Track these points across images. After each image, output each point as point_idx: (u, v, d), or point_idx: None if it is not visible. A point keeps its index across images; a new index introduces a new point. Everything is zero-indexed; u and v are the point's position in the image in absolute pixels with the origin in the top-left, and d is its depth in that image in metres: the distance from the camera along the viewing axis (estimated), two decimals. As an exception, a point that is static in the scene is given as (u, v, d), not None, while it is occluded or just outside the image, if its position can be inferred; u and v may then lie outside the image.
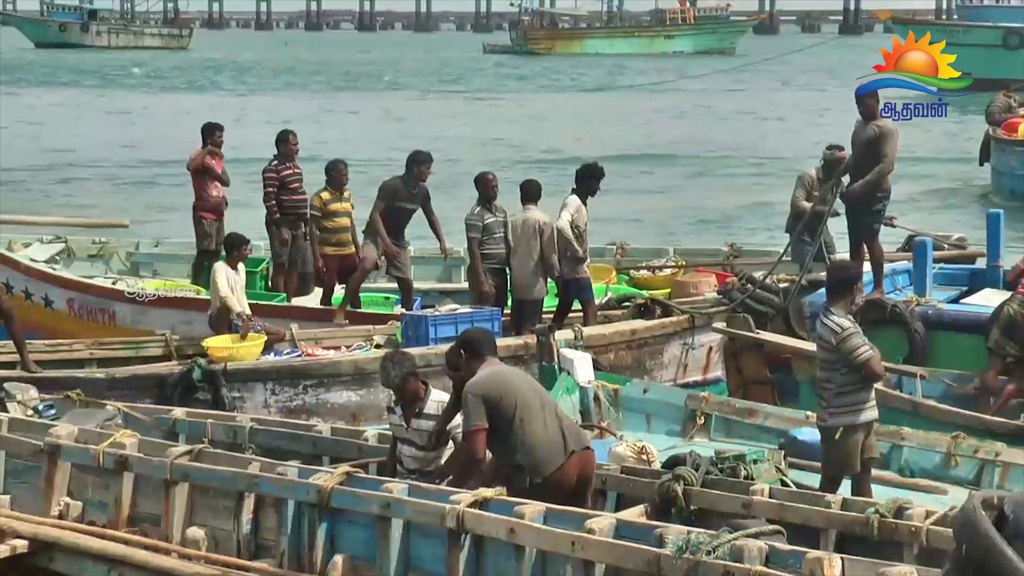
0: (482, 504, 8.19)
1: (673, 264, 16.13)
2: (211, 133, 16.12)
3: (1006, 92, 28.04)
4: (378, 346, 13.59)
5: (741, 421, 11.44)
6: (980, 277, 14.63)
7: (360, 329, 14.00)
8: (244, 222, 16.62)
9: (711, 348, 13.85)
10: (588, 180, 14.08)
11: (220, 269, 13.72)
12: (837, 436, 9.27)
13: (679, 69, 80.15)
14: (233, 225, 15.81)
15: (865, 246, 13.64)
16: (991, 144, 27.81)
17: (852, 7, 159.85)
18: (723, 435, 11.43)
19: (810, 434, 10.15)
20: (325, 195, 15.18)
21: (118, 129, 47.13)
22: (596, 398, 11.74)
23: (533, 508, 8.04)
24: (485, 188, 14.26)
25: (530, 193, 14.08)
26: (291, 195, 15.58)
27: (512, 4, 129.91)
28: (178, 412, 10.92)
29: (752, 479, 8.84)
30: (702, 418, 11.52)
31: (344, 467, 8.93)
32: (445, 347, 11.55)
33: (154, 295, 14.99)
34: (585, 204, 14.02)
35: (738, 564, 7.12)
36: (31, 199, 29.31)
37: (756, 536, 7.30)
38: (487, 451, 8.68)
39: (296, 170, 15.70)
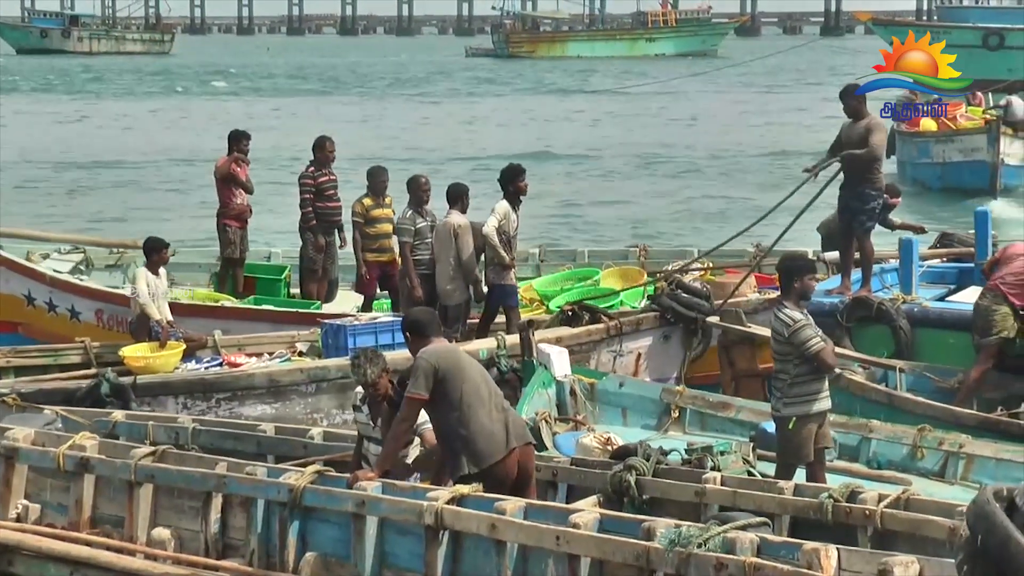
0: (460, 500, 8.09)
1: (701, 266, 15.71)
2: (238, 141, 15.79)
3: (908, 93, 28.31)
4: (300, 354, 13.32)
5: (715, 414, 11.50)
6: (968, 275, 14.48)
7: (284, 335, 13.70)
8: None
9: (640, 355, 13.45)
10: (511, 183, 13.49)
11: (141, 275, 13.29)
12: (791, 426, 9.38)
13: (663, 71, 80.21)
14: (253, 229, 15.59)
15: (857, 243, 13.50)
16: (895, 138, 29.54)
17: (833, 9, 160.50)
18: (697, 428, 11.47)
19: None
20: (367, 201, 14.75)
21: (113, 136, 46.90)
22: (572, 392, 11.67)
23: (514, 504, 7.96)
24: (417, 191, 13.84)
25: (453, 197, 13.59)
26: (326, 202, 15.34)
27: (494, 7, 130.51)
28: (118, 415, 10.72)
29: (719, 470, 8.88)
30: (676, 411, 11.58)
31: (315, 465, 8.82)
32: None
33: None
34: (516, 209, 13.51)
35: (731, 556, 7.04)
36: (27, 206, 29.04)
37: (744, 528, 7.23)
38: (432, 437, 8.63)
39: (332, 177, 15.42)
